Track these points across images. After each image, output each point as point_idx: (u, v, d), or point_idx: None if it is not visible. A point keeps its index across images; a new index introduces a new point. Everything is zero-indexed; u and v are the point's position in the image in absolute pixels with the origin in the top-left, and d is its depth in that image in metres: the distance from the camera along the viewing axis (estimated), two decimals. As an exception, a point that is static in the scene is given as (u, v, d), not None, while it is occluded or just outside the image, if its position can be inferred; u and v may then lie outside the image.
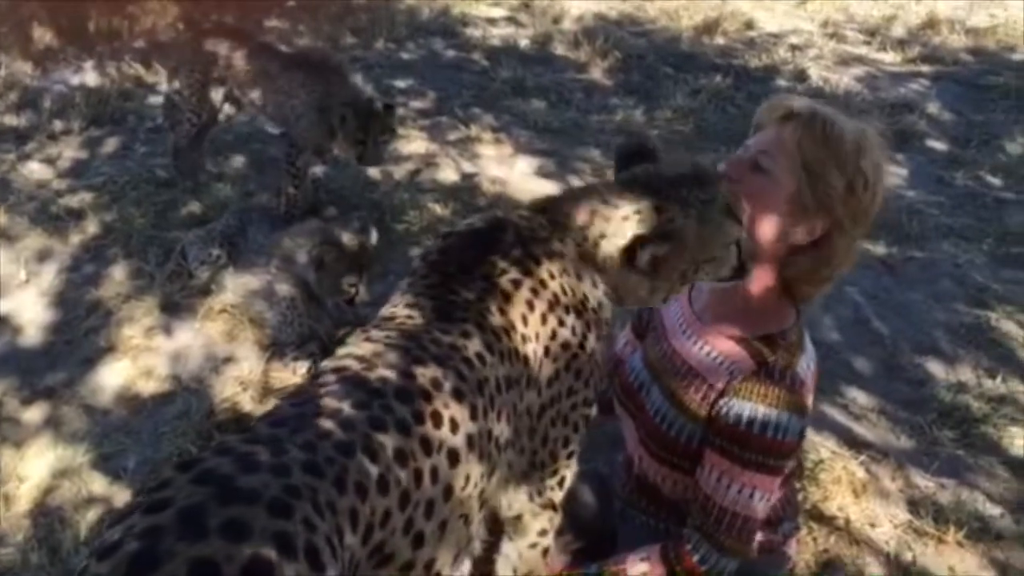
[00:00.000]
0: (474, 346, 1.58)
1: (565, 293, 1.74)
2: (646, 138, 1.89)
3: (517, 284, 1.69)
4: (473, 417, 1.51)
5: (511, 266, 1.70)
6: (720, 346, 1.96)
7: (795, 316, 1.97)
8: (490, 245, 1.74)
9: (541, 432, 1.77)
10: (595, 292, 1.79)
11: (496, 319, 1.64)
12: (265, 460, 1.19)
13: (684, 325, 2.08)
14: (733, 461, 1.89)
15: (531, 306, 1.68)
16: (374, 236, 3.56)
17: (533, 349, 1.69)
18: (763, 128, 1.94)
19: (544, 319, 1.70)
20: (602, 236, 1.76)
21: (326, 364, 1.52)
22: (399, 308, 1.68)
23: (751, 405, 1.86)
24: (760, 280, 1.94)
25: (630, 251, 1.72)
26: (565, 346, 1.74)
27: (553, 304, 1.71)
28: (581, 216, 1.77)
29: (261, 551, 1.07)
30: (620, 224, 1.74)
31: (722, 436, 1.90)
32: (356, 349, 1.53)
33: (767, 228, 1.87)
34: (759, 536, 2.10)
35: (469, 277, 1.69)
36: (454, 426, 1.46)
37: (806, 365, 1.93)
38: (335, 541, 1.18)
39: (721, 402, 1.91)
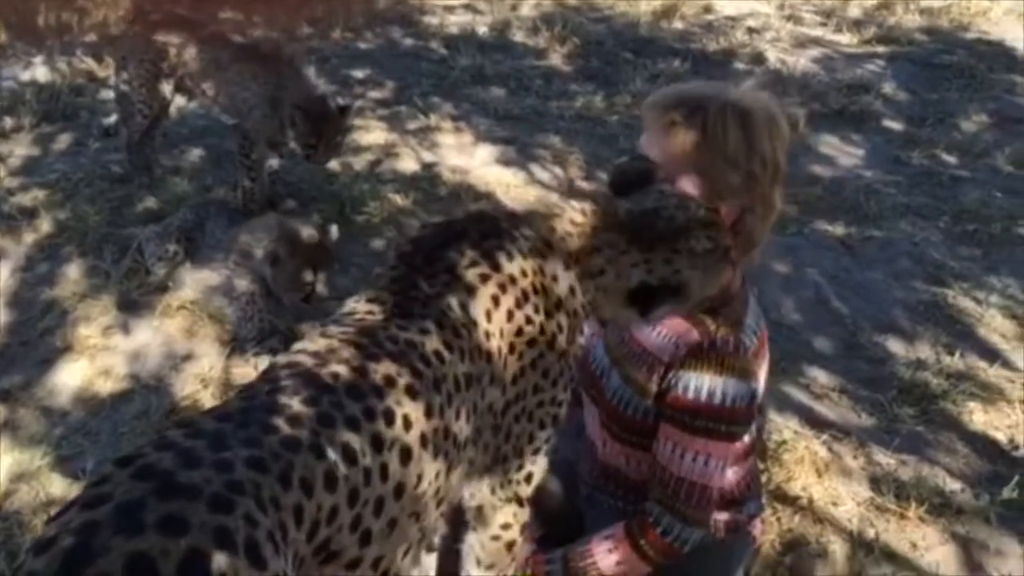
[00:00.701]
0: (432, 343, 1.56)
1: (536, 292, 1.72)
2: (646, 160, 1.88)
3: (485, 278, 1.67)
4: (428, 415, 1.49)
5: (481, 259, 1.68)
6: (667, 324, 1.97)
7: (738, 283, 1.99)
8: (460, 238, 1.73)
9: (505, 428, 1.75)
10: (572, 299, 1.77)
11: (458, 315, 1.62)
12: (207, 456, 1.17)
13: None
14: (684, 430, 1.91)
15: (496, 301, 1.66)
16: (334, 232, 3.53)
17: (497, 345, 1.67)
18: (647, 128, 1.95)
19: (510, 315, 1.69)
20: (602, 272, 1.76)
21: (279, 359, 1.50)
22: (360, 303, 1.66)
23: (697, 375, 1.88)
24: None
25: (635, 297, 1.74)
26: (531, 343, 1.72)
27: (521, 301, 1.69)
28: (580, 241, 1.76)
29: (199, 546, 1.06)
30: (628, 270, 1.75)
31: (673, 408, 1.93)
32: (310, 345, 1.52)
33: None
34: (724, 515, 2.11)
35: (434, 270, 1.68)
36: (407, 424, 1.45)
37: (752, 330, 1.96)
38: (278, 537, 1.17)
39: (669, 375, 1.93)
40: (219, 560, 1.06)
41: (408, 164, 4.89)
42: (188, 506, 1.09)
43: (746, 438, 2.06)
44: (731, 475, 2.10)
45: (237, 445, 1.21)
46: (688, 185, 1.87)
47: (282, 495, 1.21)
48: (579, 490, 2.38)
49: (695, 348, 1.89)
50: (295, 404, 1.33)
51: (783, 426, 3.08)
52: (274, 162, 4.42)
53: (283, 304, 3.52)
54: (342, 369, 1.43)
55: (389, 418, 1.42)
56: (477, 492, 1.83)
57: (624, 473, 2.17)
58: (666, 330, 1.97)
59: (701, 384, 1.88)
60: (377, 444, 1.38)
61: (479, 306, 1.65)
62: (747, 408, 1.92)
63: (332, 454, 1.30)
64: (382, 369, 1.46)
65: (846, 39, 6.81)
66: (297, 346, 1.54)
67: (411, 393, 1.47)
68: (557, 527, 2.28)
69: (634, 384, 2.03)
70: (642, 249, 1.74)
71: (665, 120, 1.89)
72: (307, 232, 3.43)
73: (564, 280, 1.76)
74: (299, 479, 1.24)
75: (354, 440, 1.35)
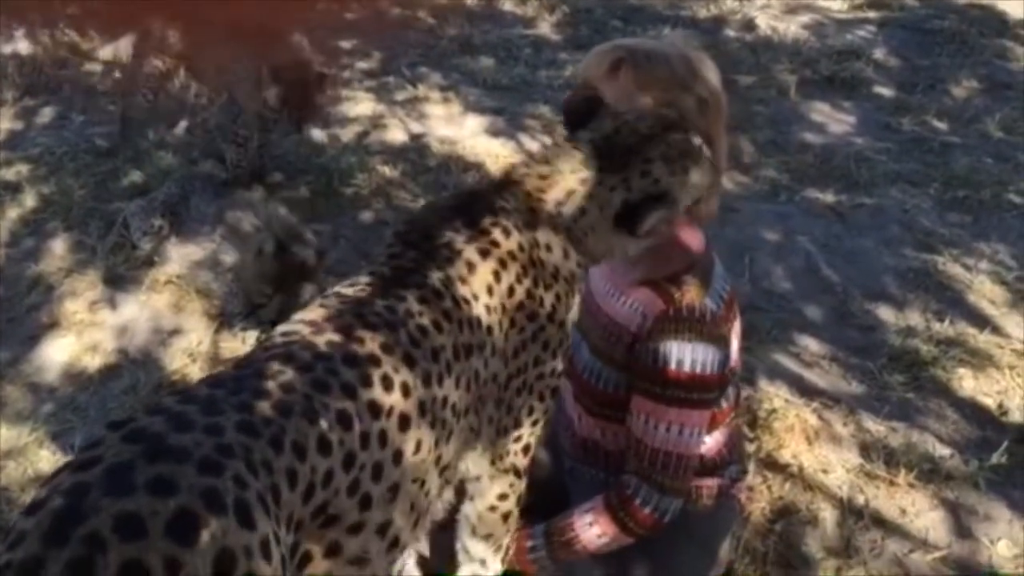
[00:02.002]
0: (430, 313, 1.56)
1: (534, 264, 1.72)
2: (593, 90, 1.87)
3: (484, 254, 1.67)
4: (427, 383, 1.49)
5: (480, 236, 1.68)
6: (632, 293, 1.96)
7: (702, 247, 1.98)
8: (456, 216, 1.73)
9: (507, 401, 1.77)
10: (567, 264, 1.77)
11: (457, 288, 1.63)
12: (199, 420, 1.18)
13: (604, 282, 2.09)
14: (657, 401, 1.90)
15: (497, 277, 1.67)
16: (311, 254, 3.38)
17: (498, 320, 1.68)
18: (593, 85, 1.92)
19: (511, 291, 1.69)
20: (583, 212, 1.74)
21: (277, 329, 1.50)
22: (361, 276, 1.66)
23: (664, 343, 1.87)
24: None
25: (622, 218, 1.71)
26: (532, 317, 1.73)
27: (521, 276, 1.70)
28: (556, 192, 1.75)
29: (188, 506, 1.07)
30: (608, 195, 1.73)
31: (643, 379, 1.91)
32: (308, 314, 1.52)
33: None
34: (706, 481, 2.11)
35: (432, 246, 1.68)
36: (405, 391, 1.45)
37: (718, 295, 1.94)
38: (269, 500, 1.18)
39: (637, 346, 1.92)
40: (208, 520, 1.07)
41: (396, 135, 4.86)
42: (177, 468, 1.10)
43: (723, 403, 2.05)
44: (710, 441, 2.09)
45: (229, 410, 1.22)
46: None
47: (274, 459, 1.21)
48: (563, 463, 2.38)
49: (661, 317, 1.88)
50: (289, 371, 1.33)
51: (773, 394, 3.08)
52: (261, 134, 4.37)
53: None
54: (338, 338, 1.43)
55: (387, 385, 1.42)
56: (475, 464, 1.84)
57: (602, 446, 2.17)
58: (632, 300, 1.96)
59: (669, 353, 1.86)
60: (374, 410, 1.39)
61: (480, 281, 1.65)
62: (719, 374, 1.91)
63: (325, 418, 1.31)
64: (379, 338, 1.46)
65: (837, 5, 6.75)
66: (295, 316, 1.54)
67: (408, 361, 1.47)
68: (544, 497, 2.28)
69: (602, 355, 2.03)
70: (615, 171, 1.72)
71: (607, 64, 1.89)
72: (303, 252, 3.32)
73: (556, 246, 1.76)
74: (291, 443, 1.25)
75: (349, 406, 1.35)
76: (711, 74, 1.91)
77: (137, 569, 1.01)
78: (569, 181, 1.75)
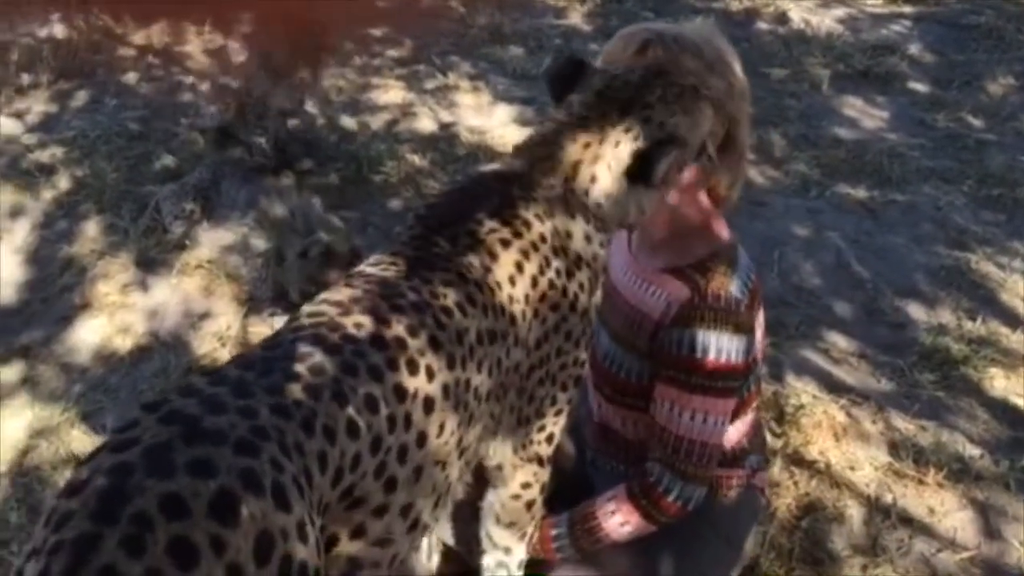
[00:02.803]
0: (455, 296, 1.56)
1: (556, 254, 1.71)
2: (574, 53, 1.86)
3: (506, 244, 1.66)
4: (451, 366, 1.50)
5: (501, 226, 1.67)
6: (656, 281, 1.96)
7: (726, 236, 1.97)
8: (478, 203, 1.72)
9: (529, 391, 1.77)
10: (589, 247, 1.76)
11: (480, 274, 1.63)
12: (231, 402, 1.20)
13: (626, 268, 2.09)
14: (681, 388, 1.89)
15: (520, 268, 1.66)
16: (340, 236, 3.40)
17: (521, 310, 1.67)
18: (618, 61, 1.90)
19: (534, 282, 1.68)
20: (594, 179, 1.72)
21: (303, 309, 1.51)
22: (383, 257, 1.66)
23: (689, 331, 1.86)
24: (686, 205, 1.94)
25: (634, 170, 1.69)
26: (555, 307, 1.72)
27: (544, 266, 1.69)
28: (571, 157, 1.72)
29: (228, 488, 1.08)
30: (614, 151, 1.71)
31: (667, 366, 1.91)
32: (334, 295, 1.52)
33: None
34: (726, 472, 2.10)
35: (454, 233, 1.67)
36: (430, 374, 1.46)
37: (743, 281, 1.93)
38: (303, 482, 1.19)
39: (661, 333, 1.91)
40: (248, 501, 1.09)
41: (426, 124, 4.86)
42: (215, 450, 1.12)
43: (745, 393, 2.04)
44: (731, 431, 2.08)
45: (260, 392, 1.23)
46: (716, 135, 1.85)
47: (305, 441, 1.23)
48: (586, 454, 2.38)
49: (686, 304, 1.87)
50: (318, 353, 1.34)
51: (801, 390, 3.06)
52: (291, 121, 4.38)
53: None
54: (365, 319, 1.44)
55: (412, 368, 1.43)
56: (497, 452, 1.84)
57: (621, 434, 2.16)
58: (656, 287, 1.96)
59: (694, 341, 1.85)
60: (400, 393, 1.40)
61: (503, 271, 1.65)
62: (744, 363, 1.90)
63: (353, 402, 1.31)
64: (405, 320, 1.46)
65: (872, -1, 6.69)
66: (320, 296, 1.54)
67: (434, 344, 1.48)
68: (569, 487, 2.29)
69: (623, 343, 2.02)
70: (616, 124, 1.70)
71: (635, 45, 1.87)
72: (333, 242, 3.31)
73: (578, 230, 1.75)
74: (322, 426, 1.26)
75: (376, 389, 1.36)
76: (736, 61, 1.91)
77: (185, 546, 1.03)
78: (572, 154, 1.72)
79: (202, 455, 1.10)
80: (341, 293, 1.52)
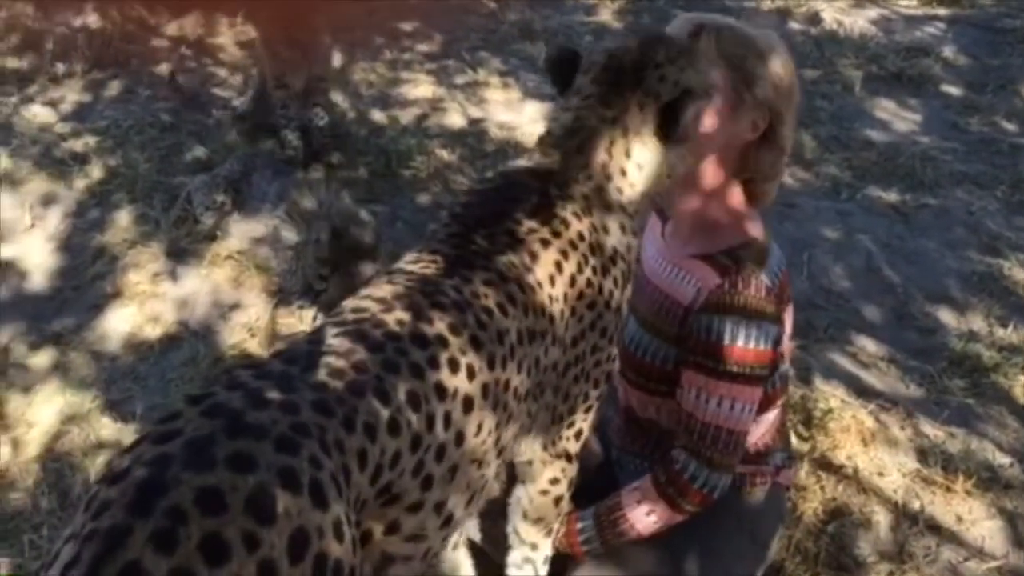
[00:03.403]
0: (496, 296, 1.57)
1: (594, 252, 1.73)
2: (560, 46, 1.88)
3: (546, 244, 1.68)
4: (491, 366, 1.50)
5: (540, 226, 1.69)
6: (687, 266, 1.97)
7: (759, 227, 1.99)
8: (516, 202, 1.72)
9: (564, 388, 1.77)
10: (624, 238, 1.78)
11: (521, 274, 1.63)
12: (274, 397, 1.20)
13: (657, 255, 2.10)
14: (708, 375, 1.89)
15: (559, 267, 1.68)
16: (369, 234, 3.37)
17: (560, 309, 1.68)
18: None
19: (573, 280, 1.70)
20: (628, 153, 1.75)
21: (345, 304, 1.51)
22: (423, 254, 1.66)
23: (719, 317, 1.87)
24: (721, 194, 1.96)
25: (663, 127, 1.73)
26: (592, 305, 1.74)
27: (582, 264, 1.71)
28: (600, 151, 1.75)
29: (266, 485, 1.09)
30: (639, 115, 1.74)
31: (695, 352, 1.91)
32: (376, 291, 1.52)
33: (715, 134, 1.89)
34: (751, 468, 2.10)
35: (493, 232, 1.68)
36: (471, 373, 1.46)
37: (774, 272, 1.94)
38: (341, 480, 1.19)
39: (690, 319, 1.92)
40: (284, 499, 1.09)
41: (455, 119, 4.86)
42: (256, 445, 1.12)
43: (770, 388, 2.03)
44: (756, 428, 2.08)
45: (303, 388, 1.24)
46: (721, 84, 1.85)
47: (346, 439, 1.23)
48: (611, 452, 2.38)
49: (716, 291, 1.88)
50: (360, 350, 1.34)
51: (829, 394, 3.05)
52: (321, 113, 4.40)
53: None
54: (407, 316, 1.44)
55: (453, 367, 1.43)
56: (528, 449, 1.85)
57: (643, 420, 2.17)
58: (686, 273, 1.97)
59: (724, 327, 1.86)
60: (441, 392, 1.40)
61: (543, 271, 1.66)
62: (771, 351, 1.91)
63: (395, 400, 1.32)
64: (447, 318, 1.47)
65: (905, 0, 6.62)
66: (363, 291, 1.55)
67: (475, 344, 1.48)
68: (594, 486, 2.29)
69: (651, 328, 2.03)
70: (633, 89, 1.73)
71: (691, 28, 1.89)
72: (360, 234, 3.31)
73: (614, 225, 1.77)
74: (363, 423, 1.26)
75: (418, 387, 1.36)
76: (783, 58, 1.91)
77: (217, 543, 1.03)
78: (600, 147, 1.75)
79: (243, 449, 1.11)
80: (383, 289, 1.52)
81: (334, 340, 1.37)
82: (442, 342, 1.43)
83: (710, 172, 1.93)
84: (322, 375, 1.28)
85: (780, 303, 1.94)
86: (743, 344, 1.86)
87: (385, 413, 1.30)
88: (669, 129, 1.73)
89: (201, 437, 1.12)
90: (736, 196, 1.98)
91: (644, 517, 1.99)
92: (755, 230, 1.98)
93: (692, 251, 1.98)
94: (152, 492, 1.06)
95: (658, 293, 2.03)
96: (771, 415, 2.12)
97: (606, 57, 1.78)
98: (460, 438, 1.45)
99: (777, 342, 1.93)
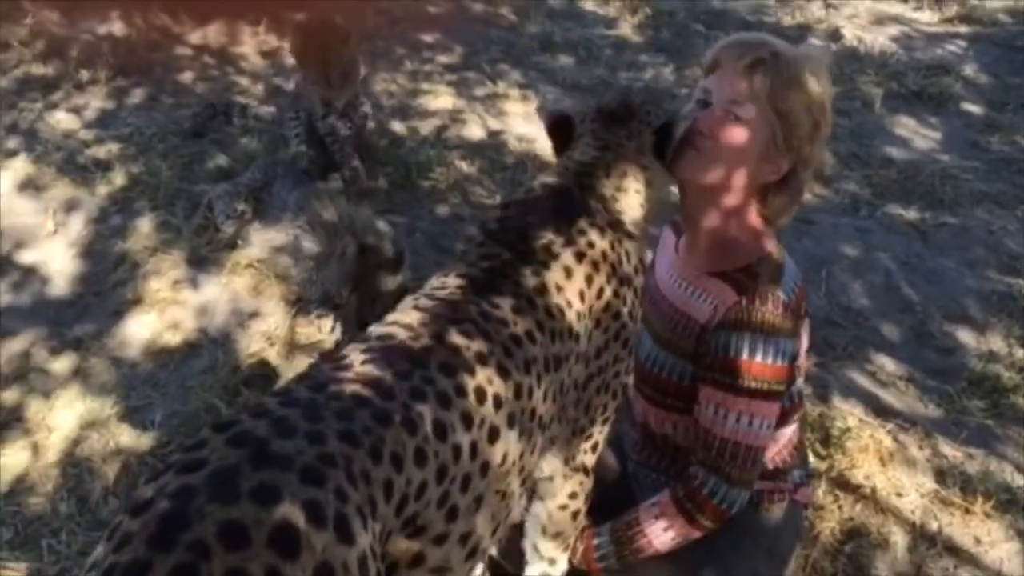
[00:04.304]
0: (525, 324, 1.57)
1: (620, 264, 1.80)
2: (551, 113, 1.98)
3: (581, 257, 1.73)
4: (517, 395, 1.50)
5: (576, 239, 1.75)
6: (703, 285, 1.98)
7: (774, 242, 2.00)
8: (549, 218, 1.76)
9: (585, 401, 1.78)
10: (636, 255, 1.87)
11: (552, 297, 1.65)
12: (301, 425, 1.19)
13: (671, 271, 2.11)
14: (726, 391, 1.90)
15: (590, 280, 1.73)
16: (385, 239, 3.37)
17: (586, 324, 1.71)
18: (723, 70, 1.95)
19: (600, 292, 1.75)
20: (629, 205, 1.91)
21: (372, 329, 1.52)
22: (450, 278, 1.67)
23: (737, 334, 1.87)
24: (740, 213, 1.97)
25: (658, 147, 1.91)
26: (616, 316, 1.79)
27: (610, 276, 1.77)
28: (613, 180, 1.89)
29: (290, 518, 1.07)
30: (634, 150, 1.90)
31: (712, 369, 1.92)
32: (403, 317, 1.53)
33: (741, 175, 1.91)
34: (769, 484, 2.10)
35: (524, 251, 1.70)
36: (497, 403, 1.46)
37: (790, 288, 1.94)
38: (367, 511, 1.18)
39: (707, 336, 1.93)
40: (309, 532, 1.08)
41: (474, 131, 4.88)
42: (281, 476, 1.11)
43: (787, 403, 2.04)
44: (774, 444, 2.09)
45: (330, 417, 1.23)
46: (764, 129, 1.88)
47: (372, 469, 1.22)
48: (627, 467, 2.38)
49: (734, 308, 1.89)
50: (387, 377, 1.34)
51: (847, 413, 3.03)
52: (340, 124, 4.42)
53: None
54: (435, 344, 1.44)
55: (480, 396, 1.43)
56: (548, 465, 1.85)
57: (658, 436, 2.17)
58: (702, 291, 1.98)
59: (741, 344, 1.87)
60: (467, 421, 1.39)
61: (574, 286, 1.68)
62: (788, 367, 1.91)
63: (421, 430, 1.31)
64: (474, 347, 1.47)
65: (926, 17, 6.61)
66: (390, 317, 1.55)
67: (502, 373, 1.48)
68: (610, 501, 2.28)
69: (666, 344, 2.04)
70: (626, 126, 1.92)
71: (747, 60, 1.90)
72: (381, 246, 3.30)
73: (628, 243, 1.86)
74: (390, 454, 1.25)
75: (445, 416, 1.36)
76: (828, 114, 1.93)
77: None
78: (616, 170, 1.88)
79: (268, 481, 1.10)
80: (410, 316, 1.53)
81: (361, 367, 1.36)
82: (469, 370, 1.43)
83: (733, 191, 1.93)
84: (348, 403, 1.27)
85: (797, 318, 1.95)
86: (761, 360, 1.87)
87: (412, 443, 1.29)
88: (664, 147, 1.89)
89: (226, 468, 1.11)
90: (754, 214, 1.99)
91: (662, 533, 1.99)
92: (771, 246, 1.98)
93: (708, 268, 1.99)
94: (175, 525, 1.04)
95: (673, 311, 2.03)
96: (788, 431, 2.13)
97: (603, 105, 1.95)
98: (485, 468, 1.44)
99: (794, 358, 1.94)
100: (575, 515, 2.00)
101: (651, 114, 1.91)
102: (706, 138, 1.89)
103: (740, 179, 1.91)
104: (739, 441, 1.91)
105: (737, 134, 1.88)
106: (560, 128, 1.97)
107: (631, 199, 1.88)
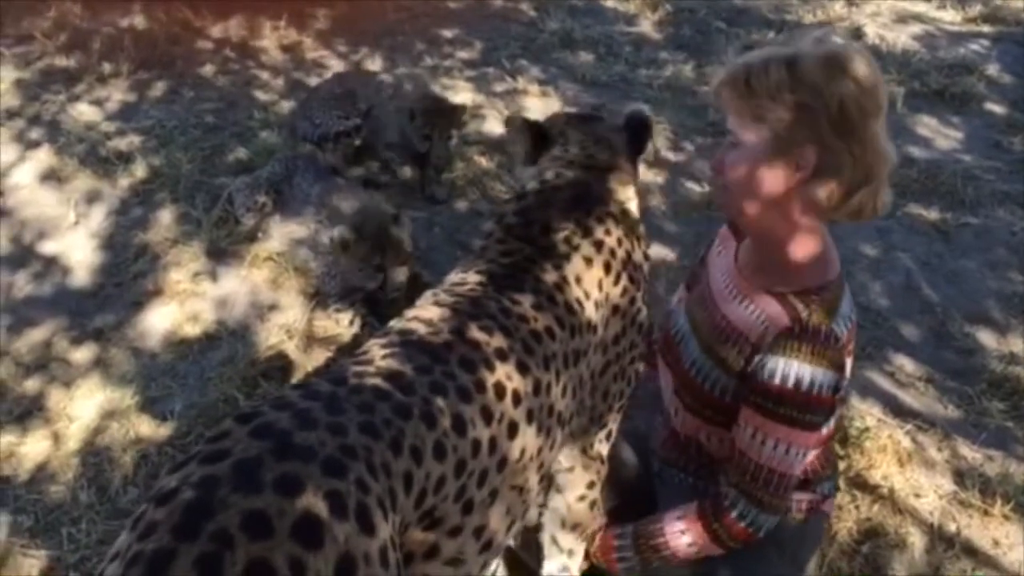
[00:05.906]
0: (545, 319, 1.58)
1: (633, 251, 1.87)
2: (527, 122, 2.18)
3: (599, 247, 1.77)
4: (536, 391, 1.51)
5: (594, 228, 1.78)
6: (759, 302, 1.92)
7: (836, 272, 1.93)
8: (571, 209, 1.78)
9: (602, 388, 1.79)
10: (644, 244, 1.95)
11: (572, 291, 1.66)
12: (323, 418, 1.20)
13: (728, 282, 2.06)
14: (768, 417, 1.87)
15: (608, 268, 1.77)
16: (405, 231, 3.41)
17: (604, 314, 1.73)
18: (734, 111, 1.82)
19: (618, 279, 1.79)
20: (628, 198, 2.01)
21: (393, 324, 1.53)
22: (470, 274, 1.68)
23: (785, 360, 1.83)
24: (798, 238, 1.86)
25: (632, 144, 2.08)
26: (632, 301, 1.83)
27: (626, 263, 1.81)
28: (615, 172, 2.00)
29: (313, 509, 1.08)
30: (611, 152, 2.01)
31: (756, 392, 1.88)
32: (424, 312, 1.53)
33: (766, 182, 1.78)
34: (800, 495, 2.09)
35: (547, 243, 1.71)
36: (516, 399, 1.46)
37: (844, 321, 1.89)
38: (387, 503, 1.19)
39: (756, 358, 1.89)
40: (331, 524, 1.09)
41: (494, 126, 4.87)
42: (303, 468, 1.12)
43: (824, 428, 2.01)
44: (808, 457, 2.07)
45: (351, 409, 1.24)
46: (752, 136, 1.76)
47: (393, 462, 1.23)
48: (651, 463, 2.37)
49: (785, 332, 1.84)
50: (408, 372, 1.35)
51: (866, 413, 3.02)
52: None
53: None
54: (455, 339, 1.44)
55: (499, 392, 1.43)
56: (567, 455, 1.86)
57: (693, 445, 2.16)
58: (756, 308, 1.93)
59: (789, 371, 1.83)
60: (487, 416, 1.40)
61: (593, 276, 1.69)
62: (832, 398, 1.87)
63: (441, 424, 1.32)
64: (494, 342, 1.47)
65: (949, 16, 6.56)
66: (410, 312, 1.56)
67: (521, 369, 1.49)
68: (631, 498, 2.28)
69: (715, 358, 2.00)
70: (615, 139, 2.05)
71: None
72: (399, 235, 3.35)
73: (639, 233, 1.94)
74: (410, 447, 1.26)
75: (465, 411, 1.37)
76: (832, 75, 1.78)
77: (263, 568, 1.03)
78: (614, 162, 1.99)
79: (291, 472, 1.11)
80: (430, 311, 1.53)
81: (381, 361, 1.37)
82: (489, 366, 1.44)
83: (774, 208, 1.82)
84: (369, 396, 1.28)
85: (846, 350, 1.90)
86: (807, 390, 1.83)
87: (431, 437, 1.30)
88: (640, 144, 2.09)
89: (249, 459, 1.12)
90: (816, 238, 1.88)
91: (685, 547, 1.99)
92: (833, 273, 1.92)
93: (765, 284, 1.92)
94: (199, 515, 1.05)
95: (725, 321, 1.99)
96: (823, 447, 2.11)
97: (567, 113, 2.20)
98: (502, 463, 1.45)
99: (838, 390, 1.88)
100: (592, 504, 2.01)
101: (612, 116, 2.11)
102: (720, 174, 1.84)
103: (766, 184, 1.79)
104: (774, 468, 1.90)
105: (733, 157, 1.80)
106: (535, 134, 2.07)
107: (629, 190, 1.96)
